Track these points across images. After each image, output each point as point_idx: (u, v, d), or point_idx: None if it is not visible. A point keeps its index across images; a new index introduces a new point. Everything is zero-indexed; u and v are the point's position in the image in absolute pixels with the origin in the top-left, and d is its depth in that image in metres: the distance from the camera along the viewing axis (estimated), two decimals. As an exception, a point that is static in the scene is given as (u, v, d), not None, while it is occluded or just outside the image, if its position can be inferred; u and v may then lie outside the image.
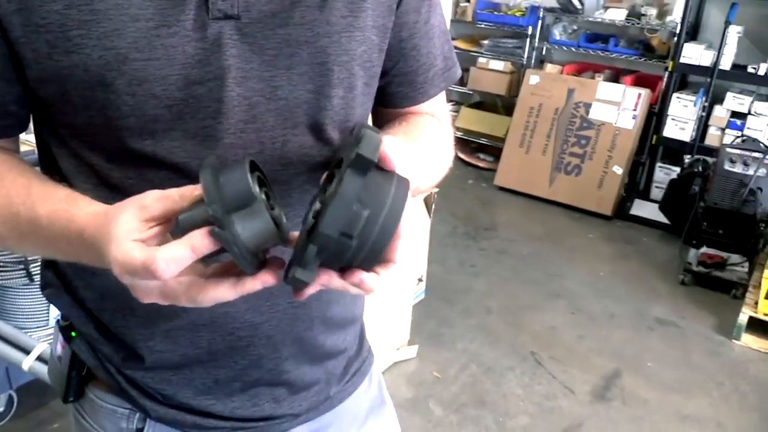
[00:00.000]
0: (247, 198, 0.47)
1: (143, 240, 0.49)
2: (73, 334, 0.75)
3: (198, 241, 0.47)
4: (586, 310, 2.98)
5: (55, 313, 1.99)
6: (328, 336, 0.77)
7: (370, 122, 0.80)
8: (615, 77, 4.31)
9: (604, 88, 4.08)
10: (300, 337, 0.73)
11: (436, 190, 2.81)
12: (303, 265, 0.47)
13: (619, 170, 4.00)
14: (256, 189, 0.48)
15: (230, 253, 0.47)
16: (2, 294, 1.91)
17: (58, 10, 0.54)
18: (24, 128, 0.67)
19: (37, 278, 1.88)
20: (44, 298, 1.95)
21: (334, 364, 0.81)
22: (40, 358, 1.57)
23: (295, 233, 0.53)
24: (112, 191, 0.63)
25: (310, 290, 0.51)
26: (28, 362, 1.56)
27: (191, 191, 0.50)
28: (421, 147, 0.70)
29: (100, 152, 0.62)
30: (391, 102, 0.77)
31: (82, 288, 0.71)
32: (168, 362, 0.71)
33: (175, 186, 0.60)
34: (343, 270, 0.50)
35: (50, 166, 0.68)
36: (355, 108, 0.69)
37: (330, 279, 0.50)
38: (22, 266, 1.85)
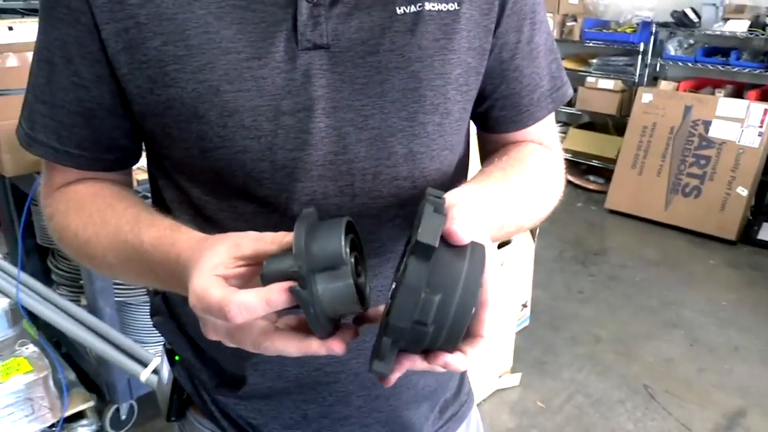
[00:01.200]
0: (336, 261, 0.46)
1: (227, 276, 0.49)
2: (177, 358, 0.78)
3: (275, 296, 0.46)
4: (707, 341, 2.77)
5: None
6: (421, 376, 0.74)
7: (475, 149, 0.77)
8: (737, 92, 4.03)
9: (725, 105, 3.82)
10: None
11: (541, 213, 2.74)
12: (380, 356, 0.46)
13: (743, 192, 3.72)
14: (347, 252, 0.47)
15: (305, 312, 0.46)
16: (125, 310, 2.07)
17: (156, 47, 0.58)
18: (135, 162, 0.71)
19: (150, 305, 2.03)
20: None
21: (429, 405, 0.78)
22: (155, 371, 1.68)
23: (379, 308, 0.51)
24: (208, 223, 0.65)
25: (394, 377, 0.49)
26: (145, 374, 1.67)
27: (283, 237, 0.50)
28: (520, 184, 0.66)
29: (197, 184, 0.64)
30: (495, 127, 0.73)
31: (184, 315, 0.73)
32: (259, 392, 0.71)
33: (265, 220, 0.62)
34: (427, 352, 0.48)
35: (157, 198, 0.72)
36: (453, 134, 0.66)
37: (413, 364, 0.49)
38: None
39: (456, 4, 0.62)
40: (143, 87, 0.59)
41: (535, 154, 0.71)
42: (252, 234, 0.51)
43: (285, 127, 0.59)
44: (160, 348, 2.13)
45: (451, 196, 0.53)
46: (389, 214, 0.64)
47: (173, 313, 0.75)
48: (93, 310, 1.94)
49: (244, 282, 0.50)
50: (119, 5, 0.58)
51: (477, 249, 0.48)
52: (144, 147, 0.70)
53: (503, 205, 0.62)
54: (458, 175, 0.71)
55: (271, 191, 0.61)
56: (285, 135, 0.59)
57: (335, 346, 0.49)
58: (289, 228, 0.61)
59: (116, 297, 1.97)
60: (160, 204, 0.71)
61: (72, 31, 0.60)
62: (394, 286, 0.48)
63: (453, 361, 0.48)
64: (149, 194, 0.75)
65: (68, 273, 2.24)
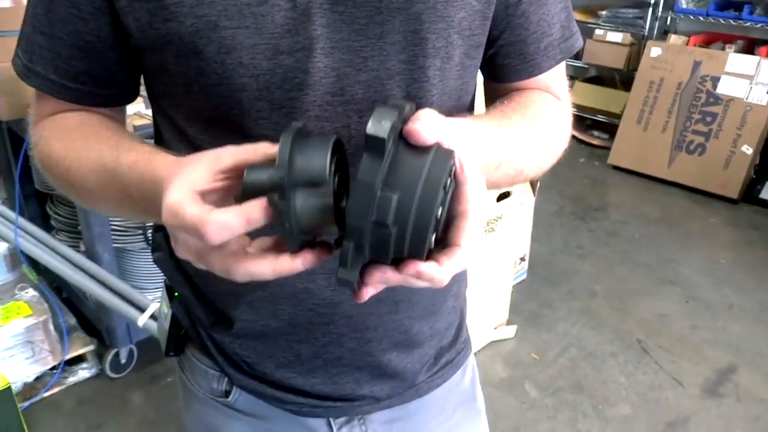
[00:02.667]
0: (318, 177, 0.45)
1: (204, 191, 0.47)
2: (176, 294, 0.78)
3: (254, 212, 0.45)
4: (702, 298, 2.79)
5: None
6: (416, 321, 0.74)
7: (482, 98, 0.74)
8: (749, 48, 3.94)
9: (736, 60, 3.74)
10: (383, 320, 0.71)
11: (542, 167, 2.72)
12: (343, 263, 0.44)
13: (749, 150, 3.68)
14: (331, 171, 0.45)
15: (280, 225, 0.45)
16: (123, 256, 2.08)
17: None
18: (130, 100, 0.70)
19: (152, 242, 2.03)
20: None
21: (423, 352, 0.78)
22: (153, 317, 1.70)
23: None
24: None
25: (366, 290, 0.47)
26: (143, 319, 1.69)
27: (267, 148, 0.48)
28: (522, 127, 0.64)
29: (194, 122, 0.63)
30: (500, 76, 0.71)
31: None
32: (252, 331, 0.72)
33: None
34: (397, 263, 0.46)
35: (158, 137, 0.71)
36: (456, 80, 0.65)
37: (384, 275, 0.46)
38: (141, 231, 2.00)
39: None
40: (142, 20, 0.58)
41: (540, 101, 0.69)
42: (231, 147, 0.49)
43: (283, 66, 0.58)
44: (158, 294, 2.16)
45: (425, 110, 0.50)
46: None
47: (172, 250, 0.75)
48: (91, 255, 1.95)
49: (221, 197, 0.48)
50: None
51: (442, 151, 0.45)
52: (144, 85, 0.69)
53: (499, 143, 0.60)
54: None
55: (268, 130, 0.60)
56: (283, 74, 0.58)
57: (307, 258, 0.46)
58: None
59: (114, 243, 1.98)
60: (160, 141, 0.70)
61: None
62: None
63: (426, 269, 0.45)
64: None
65: (67, 219, 2.25)
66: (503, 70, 0.70)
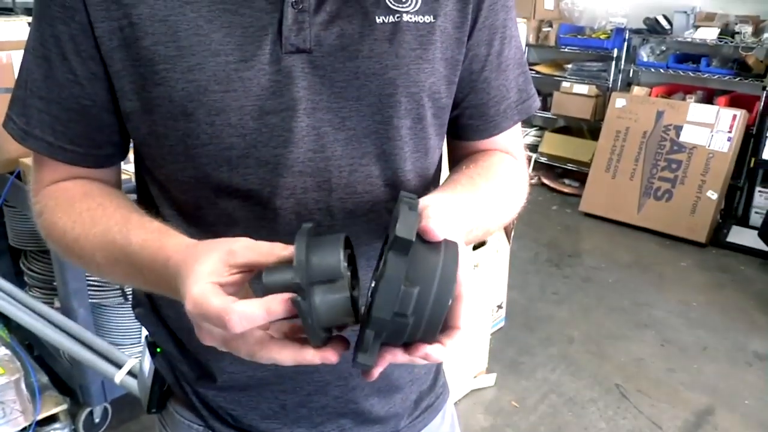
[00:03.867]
0: (334, 274, 0.48)
1: (222, 284, 0.50)
2: (158, 350, 0.78)
3: (275, 306, 0.48)
4: (677, 341, 2.83)
5: (146, 331, 2.11)
6: (396, 367, 0.75)
7: (445, 155, 0.79)
8: (708, 98, 4.13)
9: (696, 110, 3.91)
10: None
11: (516, 216, 2.77)
12: (364, 349, 0.48)
13: (713, 195, 3.81)
14: (345, 266, 0.49)
15: (303, 322, 0.48)
16: (99, 312, 2.06)
17: (148, 46, 0.59)
18: (123, 157, 0.72)
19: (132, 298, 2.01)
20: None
21: (404, 397, 0.80)
22: (130, 373, 1.67)
23: None
24: (191, 218, 0.67)
25: (377, 370, 0.52)
26: (119, 376, 1.66)
27: (281, 249, 0.51)
28: (487, 191, 0.69)
29: (177, 181, 0.66)
30: (463, 135, 0.76)
31: (165, 307, 0.75)
32: (237, 383, 0.73)
33: (248, 213, 0.64)
34: (407, 345, 0.50)
35: (143, 193, 0.74)
36: (425, 138, 0.69)
37: (394, 357, 0.51)
38: (118, 287, 1.99)
39: (432, 16, 0.65)
40: (136, 84, 0.61)
41: (501, 163, 0.74)
42: (244, 242, 0.52)
43: (269, 125, 0.61)
44: (136, 350, 2.12)
45: (424, 200, 0.56)
46: (363, 209, 0.66)
47: (155, 305, 0.76)
48: (66, 311, 1.92)
49: (237, 289, 0.51)
50: (114, 4, 0.59)
51: (450, 245, 0.50)
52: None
53: (471, 211, 0.64)
54: (430, 178, 0.74)
55: (254, 185, 0.63)
56: (269, 133, 0.61)
57: (330, 356, 0.50)
58: (271, 220, 0.64)
59: (90, 299, 1.96)
60: (146, 199, 0.72)
61: (66, 28, 0.61)
62: (373, 284, 0.50)
63: (432, 351, 0.50)
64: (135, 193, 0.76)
65: (41, 275, 2.22)
66: (467, 130, 0.75)
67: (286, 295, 0.48)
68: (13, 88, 0.68)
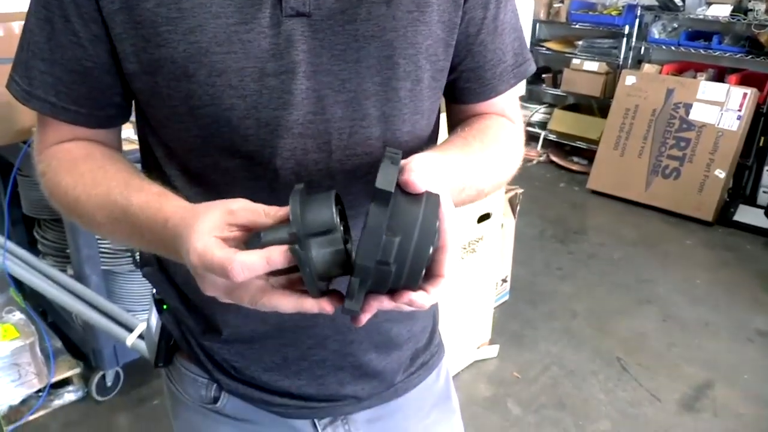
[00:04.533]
0: (328, 226, 0.51)
1: (225, 239, 0.53)
2: (165, 307, 0.82)
3: (275, 256, 0.50)
4: (679, 317, 2.86)
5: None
6: (394, 324, 0.79)
7: (443, 118, 0.82)
8: (719, 76, 4.09)
9: (706, 88, 3.88)
10: None
11: (521, 190, 2.79)
12: (350, 296, 0.51)
13: (721, 174, 3.80)
14: (337, 220, 0.52)
15: (302, 272, 0.51)
16: (111, 278, 2.11)
17: (150, 8, 0.61)
18: (126, 119, 0.75)
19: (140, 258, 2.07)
20: (147, 283, 2.13)
21: (401, 353, 0.83)
22: (141, 336, 1.72)
23: None
24: (195, 178, 0.69)
25: (365, 317, 0.54)
26: (131, 339, 1.72)
27: (276, 211, 0.54)
28: (480, 152, 0.71)
29: (183, 142, 0.68)
30: (460, 98, 0.78)
31: (173, 264, 0.77)
32: (241, 336, 0.76)
33: (248, 173, 0.66)
34: (392, 292, 0.53)
35: (146, 155, 0.76)
36: (423, 100, 0.71)
37: (381, 303, 0.53)
38: (129, 253, 2.03)
39: None
40: (137, 46, 0.63)
41: (496, 125, 0.76)
42: (242, 202, 0.55)
43: (269, 87, 0.63)
44: (145, 316, 2.18)
45: (411, 157, 0.58)
46: (362, 171, 0.68)
47: (162, 264, 0.79)
48: (79, 278, 1.97)
49: (236, 245, 0.54)
50: None
51: (431, 197, 0.53)
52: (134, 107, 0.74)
53: (463, 170, 0.67)
54: (428, 140, 0.76)
55: (255, 146, 0.65)
56: (269, 95, 0.63)
57: (326, 306, 0.53)
58: (272, 181, 0.66)
59: (102, 265, 2.01)
60: (149, 163, 0.75)
61: None
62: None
63: (417, 298, 0.52)
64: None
65: (54, 243, 2.27)
66: (464, 93, 0.77)
67: (285, 246, 0.51)
68: (16, 51, 0.70)
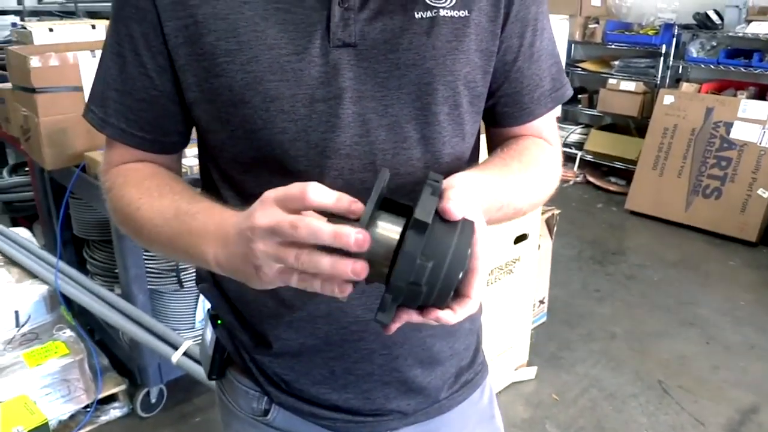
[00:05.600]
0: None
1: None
2: (219, 322, 0.86)
3: (346, 233, 0.51)
4: (722, 339, 2.80)
5: (200, 317, 2.22)
6: (437, 340, 0.82)
7: (483, 140, 0.85)
8: (760, 94, 4.03)
9: (748, 106, 3.83)
10: (408, 337, 0.78)
11: (558, 211, 2.79)
12: (382, 309, 0.55)
13: (765, 193, 3.72)
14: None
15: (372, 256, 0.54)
16: (157, 298, 2.18)
17: (211, 41, 0.67)
18: (185, 145, 0.81)
19: (187, 284, 2.13)
20: (192, 302, 2.20)
21: (444, 370, 0.84)
22: (186, 354, 1.77)
23: None
24: (246, 200, 0.73)
25: (394, 326, 0.57)
26: (176, 356, 1.77)
27: (349, 198, 0.55)
28: (518, 172, 0.74)
29: (238, 164, 0.73)
30: (500, 121, 0.81)
31: (227, 281, 0.82)
32: (290, 349, 0.79)
33: None
34: (421, 308, 0.57)
35: (205, 178, 0.82)
36: (462, 124, 0.75)
37: (410, 317, 0.57)
38: (174, 274, 2.10)
39: (466, 11, 0.71)
40: (199, 76, 0.69)
41: (534, 147, 0.80)
42: (319, 188, 0.55)
43: (318, 112, 0.68)
44: (189, 333, 2.24)
45: (450, 180, 0.61)
46: (405, 190, 0.72)
47: (217, 280, 0.84)
48: (127, 297, 2.05)
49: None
50: (180, 5, 0.68)
51: (467, 224, 0.56)
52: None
53: (501, 189, 0.70)
54: (468, 161, 0.79)
55: (305, 167, 0.70)
56: (318, 119, 0.68)
57: (358, 268, 0.53)
58: None
59: (149, 285, 2.08)
60: (208, 183, 0.80)
61: (139, 27, 0.70)
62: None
63: (443, 315, 0.56)
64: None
65: (103, 263, 2.36)
66: (503, 117, 0.81)
67: (362, 229, 0.52)
68: (93, 82, 0.77)
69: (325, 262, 0.53)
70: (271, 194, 0.56)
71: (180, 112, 0.75)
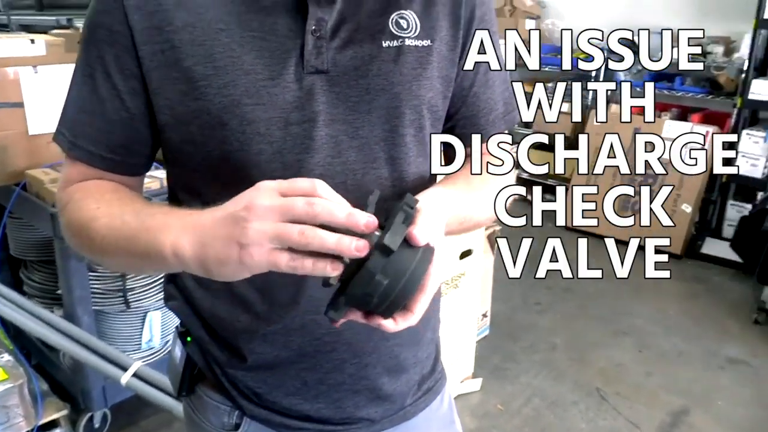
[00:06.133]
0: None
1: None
2: (189, 339, 0.87)
3: (361, 219, 0.56)
4: (655, 347, 2.95)
5: (146, 337, 2.18)
6: (403, 348, 0.86)
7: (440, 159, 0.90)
8: (682, 116, 4.30)
9: (671, 127, 4.07)
10: (377, 346, 0.83)
11: (499, 228, 2.89)
12: (335, 308, 0.60)
13: (688, 208, 3.96)
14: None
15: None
16: (102, 318, 2.13)
17: (189, 66, 0.70)
18: (149, 168, 0.82)
19: (134, 305, 2.09)
20: (137, 323, 2.15)
21: (409, 377, 0.89)
22: (136, 375, 1.75)
23: None
24: None
25: (340, 322, 0.62)
26: (125, 378, 1.74)
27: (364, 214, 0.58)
28: (479, 187, 0.81)
29: (211, 186, 0.75)
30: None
31: (199, 298, 0.83)
32: (264, 362, 0.82)
33: None
34: (368, 313, 0.62)
35: (174, 201, 0.82)
36: (425, 145, 0.80)
37: (356, 317, 0.62)
38: (121, 294, 2.06)
39: (429, 41, 0.77)
40: (173, 99, 0.71)
41: (485, 167, 0.85)
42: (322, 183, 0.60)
43: (293, 135, 0.72)
44: (136, 355, 2.18)
45: (422, 202, 0.64)
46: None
47: (187, 298, 0.85)
48: (71, 318, 1.99)
49: None
50: (157, 30, 0.70)
51: (428, 250, 0.61)
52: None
53: (463, 204, 0.76)
54: (430, 179, 0.84)
55: None
56: (293, 141, 0.72)
57: (362, 244, 0.56)
58: None
59: (94, 306, 2.03)
60: (176, 204, 0.81)
61: (111, 49, 0.72)
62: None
63: (384, 323, 0.62)
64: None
65: (41, 284, 2.29)
66: (461, 138, 0.85)
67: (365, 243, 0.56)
68: (63, 105, 0.78)
69: (331, 236, 0.56)
70: (270, 183, 0.59)
71: (149, 135, 0.76)
